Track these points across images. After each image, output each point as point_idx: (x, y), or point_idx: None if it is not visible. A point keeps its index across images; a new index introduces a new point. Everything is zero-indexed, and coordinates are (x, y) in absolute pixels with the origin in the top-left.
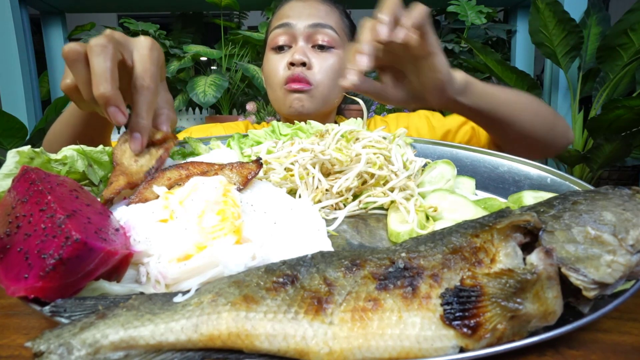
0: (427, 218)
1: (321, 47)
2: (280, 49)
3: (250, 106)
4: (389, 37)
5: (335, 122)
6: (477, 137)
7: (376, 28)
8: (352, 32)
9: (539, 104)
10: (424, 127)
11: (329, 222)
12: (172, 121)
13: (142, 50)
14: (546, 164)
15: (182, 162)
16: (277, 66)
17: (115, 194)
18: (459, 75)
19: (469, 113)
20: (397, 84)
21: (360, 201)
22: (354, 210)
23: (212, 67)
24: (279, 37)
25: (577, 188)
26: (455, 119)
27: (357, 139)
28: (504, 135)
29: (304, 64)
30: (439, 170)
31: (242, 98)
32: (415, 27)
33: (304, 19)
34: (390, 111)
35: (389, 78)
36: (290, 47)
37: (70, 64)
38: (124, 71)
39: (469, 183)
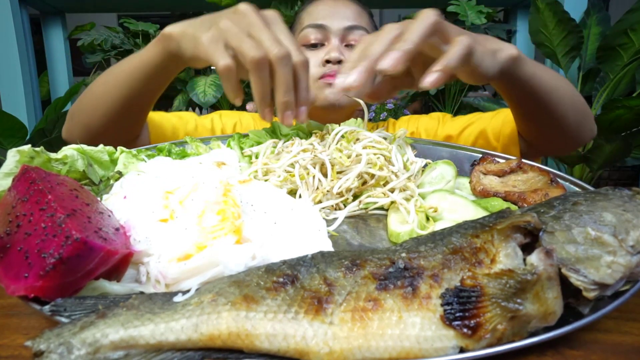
0: (427, 219)
1: (354, 47)
2: (313, 46)
3: (250, 106)
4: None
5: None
6: (485, 139)
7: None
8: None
9: (574, 90)
10: (433, 129)
11: (329, 223)
12: None
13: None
14: (546, 164)
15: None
16: (310, 61)
17: None
18: (505, 55)
19: (509, 94)
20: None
21: (360, 201)
22: (354, 211)
23: (212, 67)
24: (312, 36)
25: (577, 189)
26: (458, 123)
27: (357, 139)
28: (541, 124)
29: (340, 62)
30: (439, 171)
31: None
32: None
33: (339, 20)
34: (390, 111)
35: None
36: (322, 44)
37: (257, 69)
38: None
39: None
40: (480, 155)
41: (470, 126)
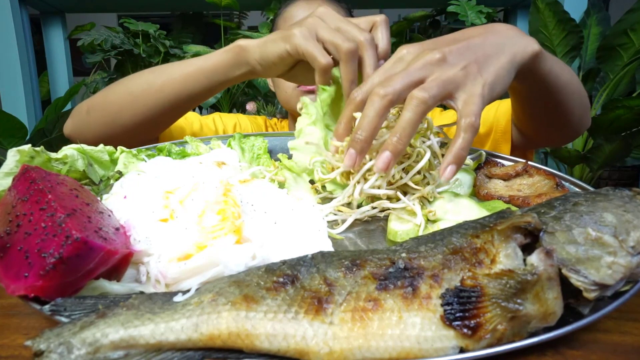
0: (427, 219)
1: None
2: None
3: (250, 106)
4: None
5: None
6: (477, 137)
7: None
8: None
9: (580, 83)
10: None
11: (334, 224)
12: None
13: None
14: (546, 164)
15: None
16: None
17: None
18: (524, 55)
19: (522, 91)
20: None
21: (373, 207)
22: (366, 212)
23: None
24: None
25: (576, 189)
26: (447, 116)
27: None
28: (546, 119)
29: None
30: (457, 176)
31: (242, 98)
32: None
33: None
34: None
35: None
36: None
37: (350, 59)
38: None
39: (467, 178)
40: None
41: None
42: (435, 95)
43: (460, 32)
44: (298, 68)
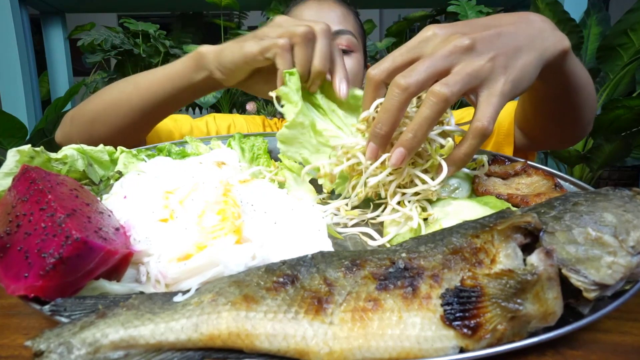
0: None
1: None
2: None
3: (250, 106)
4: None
5: None
6: None
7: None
8: (361, 33)
9: (593, 85)
10: None
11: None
12: None
13: None
14: (546, 164)
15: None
16: None
17: None
18: (553, 51)
19: (540, 91)
20: None
21: (387, 208)
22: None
23: None
24: None
25: (576, 189)
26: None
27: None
28: (558, 121)
29: None
30: (455, 181)
31: (242, 98)
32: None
33: None
34: None
35: None
36: None
37: (305, 42)
38: None
39: (466, 184)
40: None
41: (461, 121)
42: (457, 91)
43: (492, 17)
44: (255, 78)
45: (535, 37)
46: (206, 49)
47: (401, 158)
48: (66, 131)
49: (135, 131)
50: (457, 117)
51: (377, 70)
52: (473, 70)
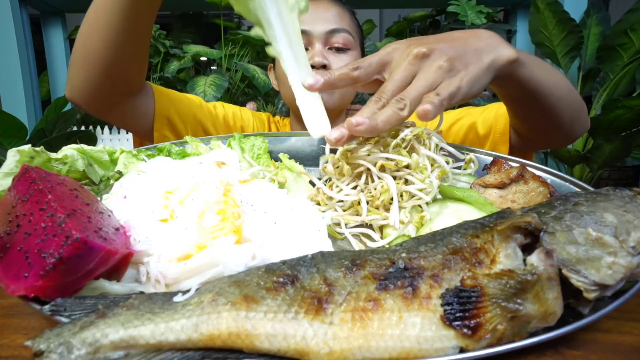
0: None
1: (337, 49)
2: None
3: (251, 106)
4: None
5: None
6: (475, 134)
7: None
8: (358, 32)
9: (571, 86)
10: (421, 125)
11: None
12: None
13: None
14: (546, 164)
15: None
16: None
17: None
18: (500, 62)
19: (505, 95)
20: None
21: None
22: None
23: (212, 67)
24: None
25: (577, 189)
26: (446, 118)
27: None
28: (536, 123)
29: (324, 66)
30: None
31: (242, 98)
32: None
33: (320, 24)
34: None
35: None
36: (306, 49)
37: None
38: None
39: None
40: (491, 159)
41: (460, 121)
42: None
43: (444, 34)
44: None
45: (482, 48)
46: None
47: (362, 126)
48: (72, 78)
49: (126, 59)
50: (454, 118)
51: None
52: (432, 73)
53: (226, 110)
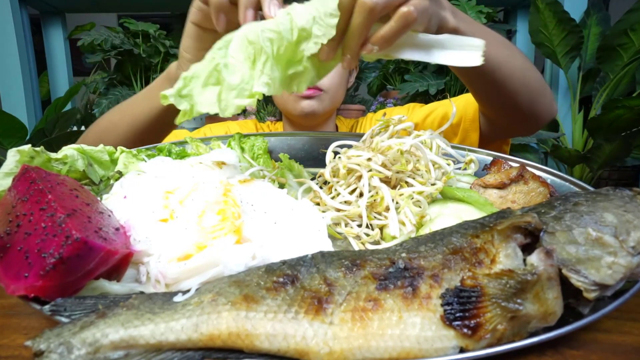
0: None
1: None
2: None
3: (250, 106)
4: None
5: (335, 124)
6: (450, 127)
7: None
8: None
9: (528, 64)
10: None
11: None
12: None
13: None
14: (546, 163)
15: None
16: None
17: None
18: (448, 22)
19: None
20: None
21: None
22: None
23: None
24: None
25: (577, 189)
26: (423, 110)
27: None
28: (492, 101)
29: None
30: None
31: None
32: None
33: None
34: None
35: None
36: None
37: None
38: None
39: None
40: (491, 159)
41: (434, 112)
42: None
43: None
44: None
45: (444, 5)
46: (174, 62)
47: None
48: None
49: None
50: (428, 110)
51: None
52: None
53: (214, 133)
